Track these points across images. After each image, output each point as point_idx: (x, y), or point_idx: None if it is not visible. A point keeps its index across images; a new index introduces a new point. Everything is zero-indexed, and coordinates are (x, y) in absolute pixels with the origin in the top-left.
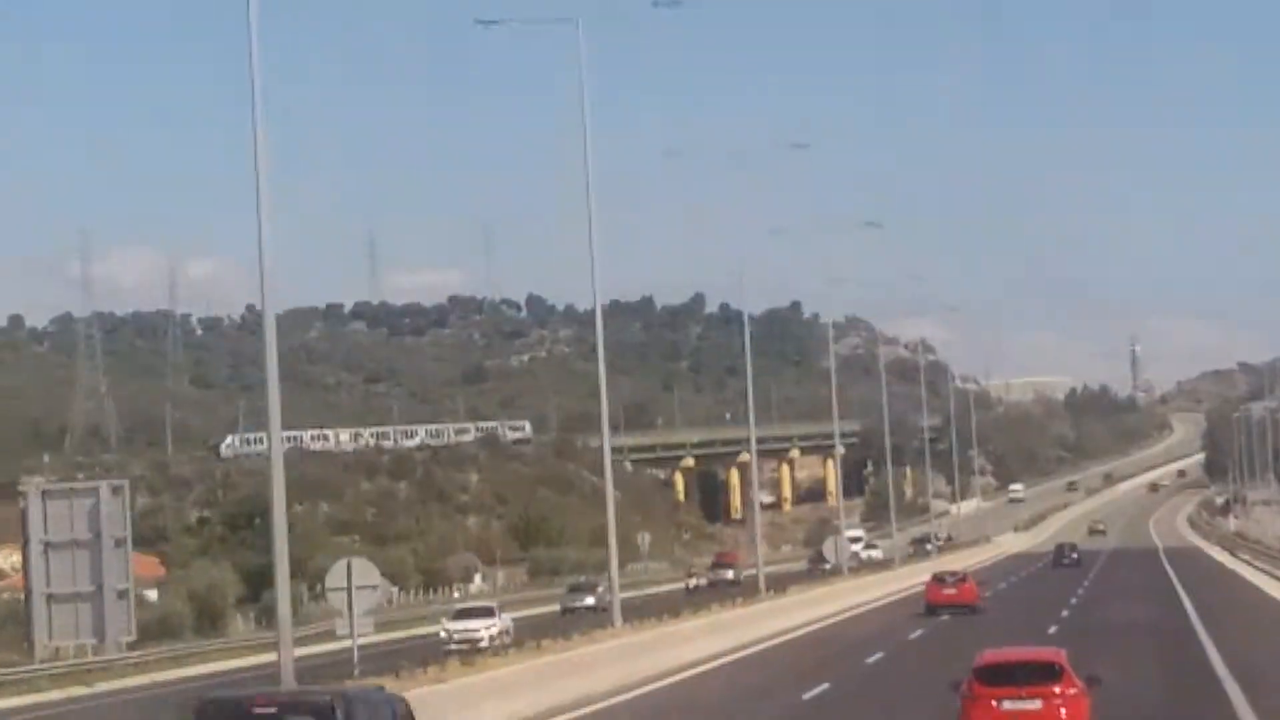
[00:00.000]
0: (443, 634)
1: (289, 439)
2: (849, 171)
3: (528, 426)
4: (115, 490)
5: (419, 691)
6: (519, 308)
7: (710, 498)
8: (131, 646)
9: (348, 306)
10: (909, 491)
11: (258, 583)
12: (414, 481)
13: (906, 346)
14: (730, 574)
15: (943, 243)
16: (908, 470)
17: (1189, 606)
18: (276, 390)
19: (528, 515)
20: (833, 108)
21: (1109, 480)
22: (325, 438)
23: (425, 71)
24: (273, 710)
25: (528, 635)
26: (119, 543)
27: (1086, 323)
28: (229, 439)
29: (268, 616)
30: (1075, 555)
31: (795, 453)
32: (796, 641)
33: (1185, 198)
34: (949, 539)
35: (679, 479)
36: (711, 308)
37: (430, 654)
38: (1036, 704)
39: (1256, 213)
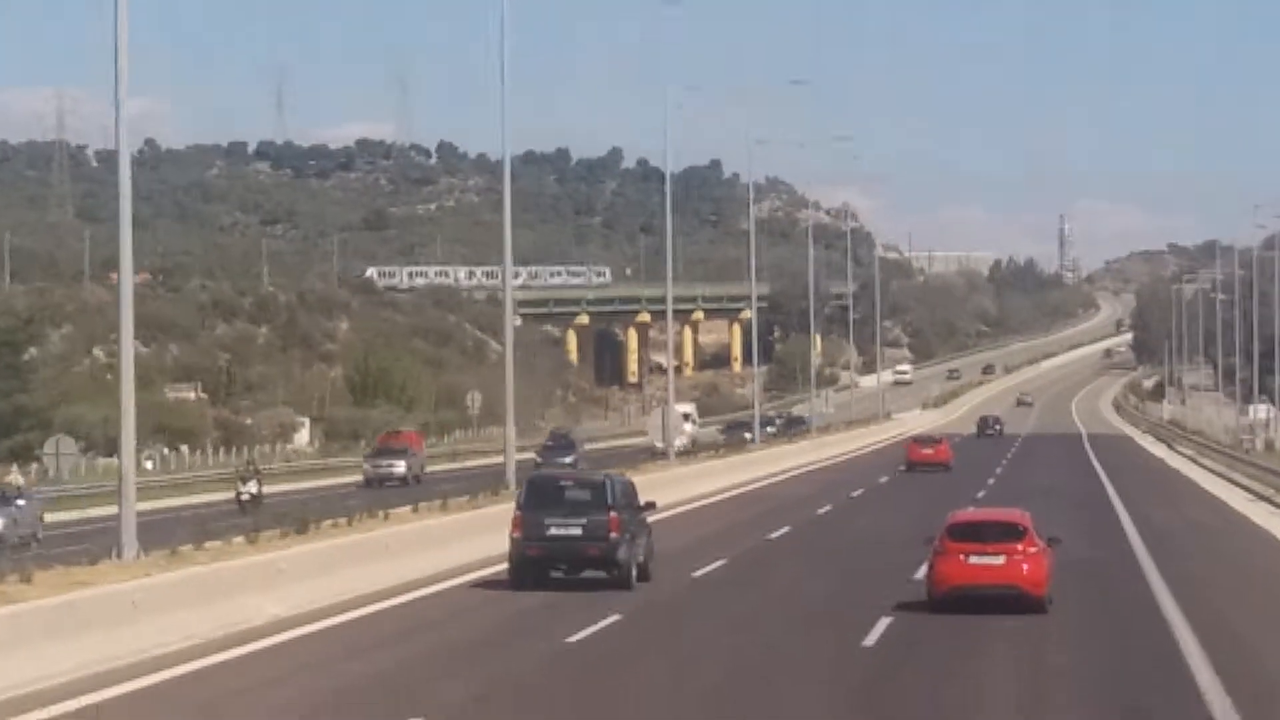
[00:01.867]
0: None
1: (416, 274)
2: (779, 28)
3: (609, 273)
4: None
5: None
6: (429, 154)
7: (607, 359)
8: None
9: (252, 145)
10: (818, 361)
11: None
12: (277, 327)
13: (829, 212)
14: (400, 467)
15: (874, 110)
16: (818, 339)
17: (1140, 550)
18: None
19: (365, 367)
20: None
21: (989, 372)
22: (445, 274)
23: None
24: (570, 483)
25: None
26: None
27: (1017, 200)
28: (370, 270)
29: None
30: (999, 427)
31: (699, 315)
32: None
33: (1121, 81)
34: (797, 422)
35: (571, 337)
36: (629, 162)
37: None
38: (1000, 559)
39: (1190, 97)
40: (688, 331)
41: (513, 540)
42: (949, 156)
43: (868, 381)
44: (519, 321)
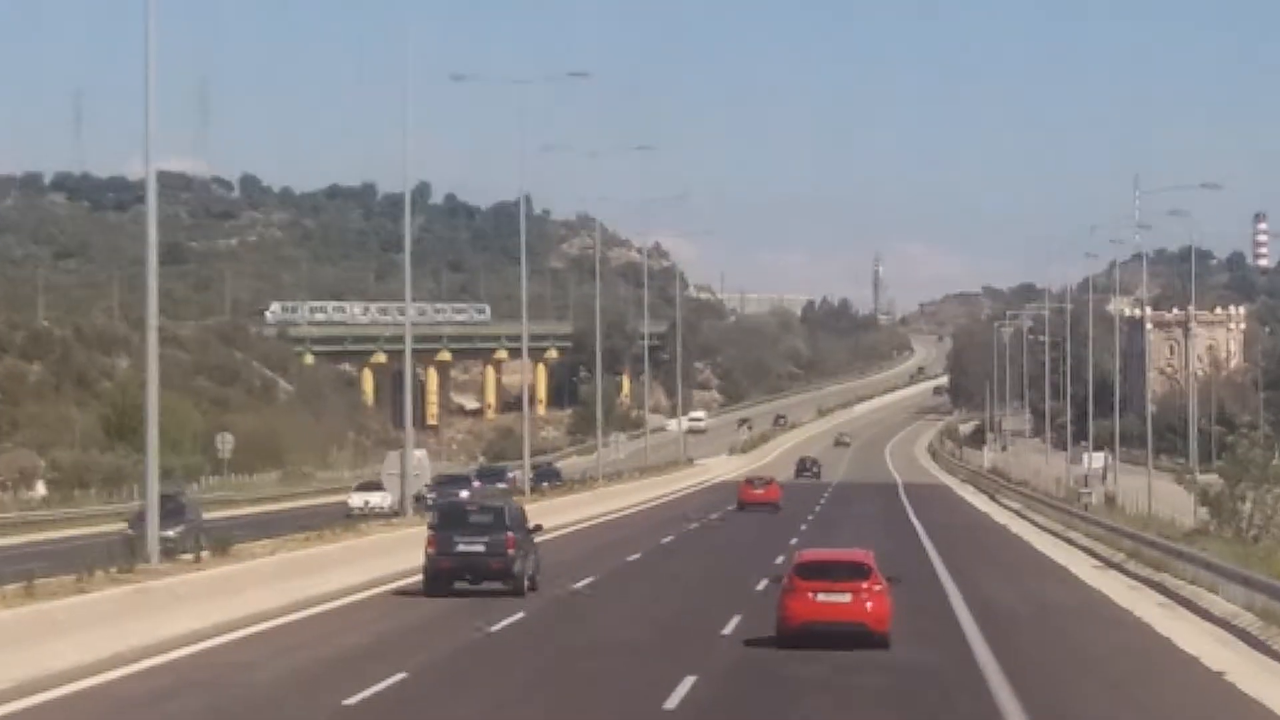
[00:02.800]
0: None
1: (316, 310)
2: (599, 73)
3: (489, 310)
4: None
5: None
6: (231, 187)
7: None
8: None
9: (48, 177)
10: (627, 403)
11: None
12: (50, 363)
13: (640, 250)
14: None
15: (693, 152)
16: (624, 380)
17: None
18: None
19: (123, 406)
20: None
21: (781, 423)
22: (342, 310)
23: None
24: (474, 509)
25: None
26: None
27: (833, 244)
28: (273, 306)
29: None
30: (816, 469)
31: (503, 354)
32: None
33: (937, 126)
34: (549, 474)
35: (368, 376)
36: (436, 198)
37: None
38: (846, 597)
39: (1004, 142)
40: (490, 371)
41: (427, 555)
42: (766, 199)
43: (673, 425)
44: (310, 360)
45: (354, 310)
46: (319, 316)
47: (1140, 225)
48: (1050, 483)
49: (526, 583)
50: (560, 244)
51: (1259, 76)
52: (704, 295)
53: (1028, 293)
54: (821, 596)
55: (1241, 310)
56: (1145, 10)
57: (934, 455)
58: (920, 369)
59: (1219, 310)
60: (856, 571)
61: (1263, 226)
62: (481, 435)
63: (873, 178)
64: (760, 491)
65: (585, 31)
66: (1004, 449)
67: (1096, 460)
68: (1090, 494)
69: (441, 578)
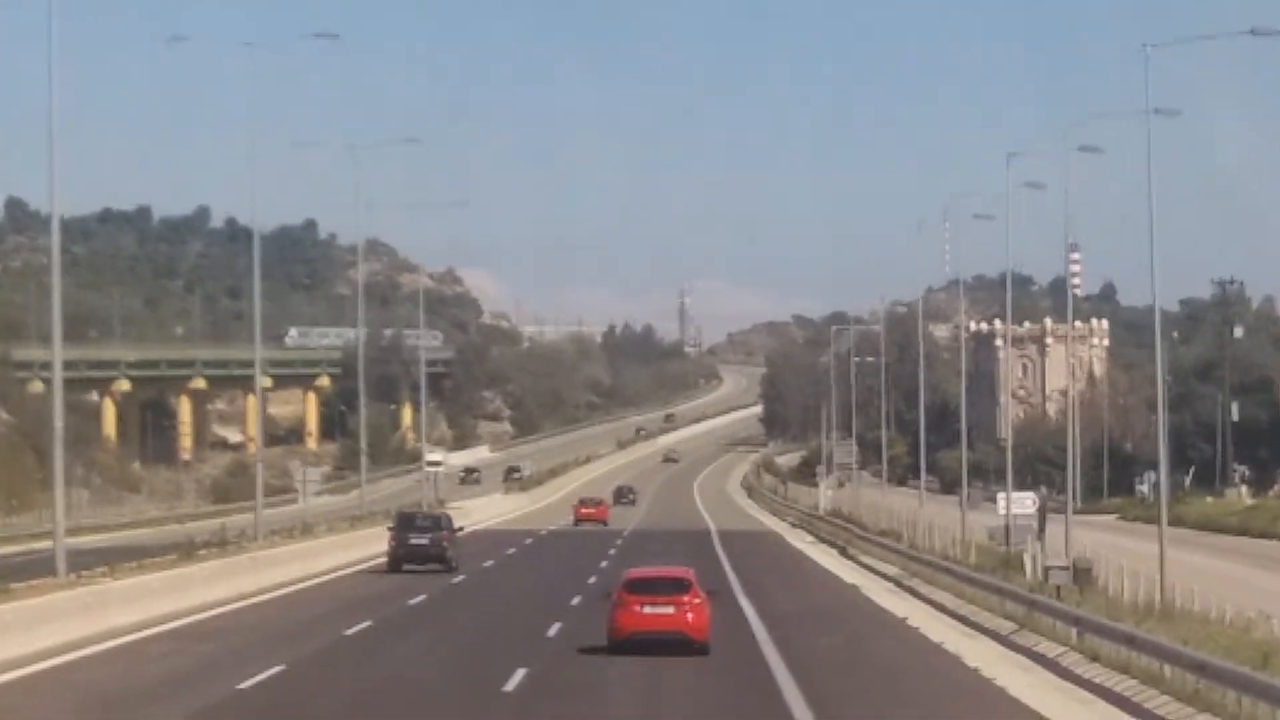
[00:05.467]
0: None
1: (323, 335)
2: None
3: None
4: None
5: None
6: None
7: (155, 433)
8: None
9: None
10: (408, 436)
11: None
12: None
13: (432, 276)
14: None
15: (496, 185)
16: (402, 410)
17: None
18: None
19: None
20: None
21: (516, 477)
22: (342, 335)
23: None
24: (420, 516)
25: None
26: None
27: (639, 281)
28: (292, 331)
29: None
30: (633, 496)
31: (268, 381)
32: None
33: (737, 160)
34: None
35: (109, 406)
36: (217, 222)
37: None
38: (670, 609)
39: (806, 177)
40: (252, 401)
41: (390, 546)
42: (570, 236)
43: (458, 458)
44: (40, 387)
45: (349, 335)
46: (324, 342)
47: (949, 246)
48: (937, 535)
49: (455, 564)
50: (348, 269)
51: (1073, 100)
52: (501, 323)
53: (839, 320)
54: (647, 609)
55: (1104, 324)
56: (947, 34)
57: (750, 492)
58: (669, 415)
59: (1080, 324)
60: (678, 586)
61: (1075, 256)
62: (239, 472)
63: (676, 214)
64: (591, 510)
65: (383, 59)
66: (842, 485)
67: (1022, 504)
68: (1065, 568)
69: (399, 561)
